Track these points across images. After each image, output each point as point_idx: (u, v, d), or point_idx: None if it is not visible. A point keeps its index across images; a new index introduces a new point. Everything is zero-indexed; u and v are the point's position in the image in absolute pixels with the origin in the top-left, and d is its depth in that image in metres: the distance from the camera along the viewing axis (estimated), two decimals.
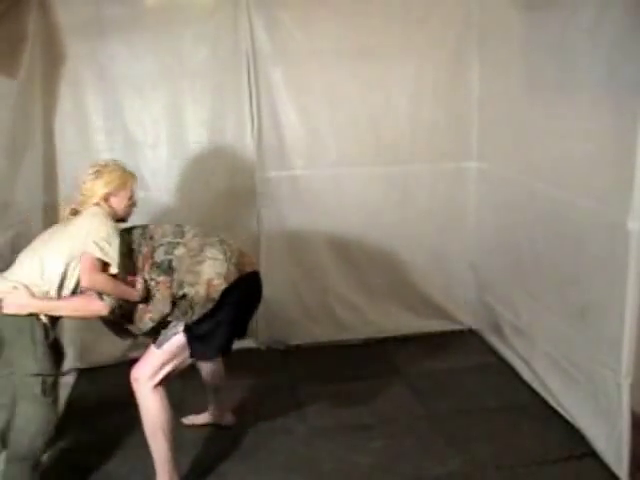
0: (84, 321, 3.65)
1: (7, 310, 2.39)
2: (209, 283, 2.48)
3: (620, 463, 2.58)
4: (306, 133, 3.72)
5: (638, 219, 2.38)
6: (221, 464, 2.83)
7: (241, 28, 3.54)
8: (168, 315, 2.52)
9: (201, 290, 2.48)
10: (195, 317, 2.48)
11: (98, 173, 2.62)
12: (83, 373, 3.70)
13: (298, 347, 3.94)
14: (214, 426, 3.10)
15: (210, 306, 2.48)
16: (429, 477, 2.73)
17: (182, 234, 2.64)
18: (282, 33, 3.58)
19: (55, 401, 2.50)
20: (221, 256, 2.56)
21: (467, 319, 4.11)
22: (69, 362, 3.68)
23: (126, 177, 2.68)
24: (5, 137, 3.09)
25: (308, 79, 3.66)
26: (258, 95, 3.63)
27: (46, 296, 2.44)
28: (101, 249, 2.41)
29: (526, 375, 3.41)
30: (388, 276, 3.97)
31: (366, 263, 3.94)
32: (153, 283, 2.53)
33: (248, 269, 2.63)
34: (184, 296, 2.49)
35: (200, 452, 2.90)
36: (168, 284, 2.51)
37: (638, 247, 2.40)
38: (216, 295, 2.48)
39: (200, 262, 2.53)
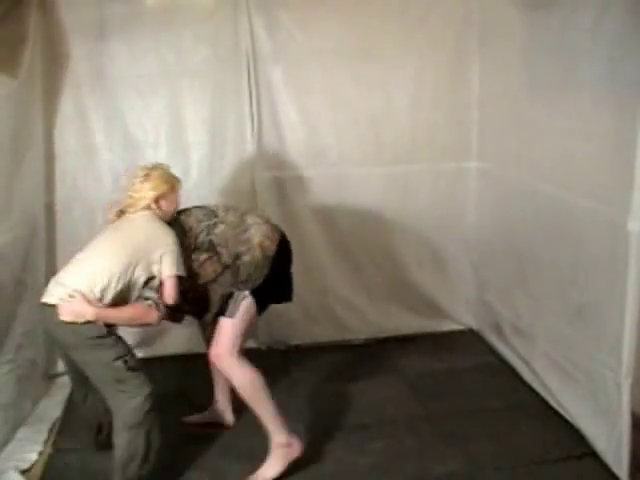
0: None
1: (64, 317, 2.41)
2: (261, 245, 2.70)
3: (620, 463, 2.57)
4: (306, 133, 3.72)
5: (638, 219, 2.37)
6: (221, 464, 2.83)
7: (241, 28, 3.54)
8: (233, 287, 2.68)
9: (256, 253, 2.68)
10: (259, 281, 2.69)
11: (147, 176, 2.69)
12: None
13: (298, 347, 3.94)
14: (214, 425, 3.09)
15: (268, 265, 2.70)
16: (429, 477, 2.73)
17: (215, 213, 2.78)
18: (282, 33, 3.58)
19: (144, 372, 2.53)
20: (260, 220, 2.79)
21: (467, 319, 4.11)
22: None
23: (174, 181, 2.76)
24: (6, 137, 3.09)
25: (308, 79, 3.66)
26: (258, 95, 3.63)
27: (101, 303, 2.45)
28: (177, 265, 2.56)
29: (526, 375, 3.41)
30: (388, 276, 3.97)
31: (366, 263, 3.94)
32: (196, 264, 2.66)
33: (280, 229, 2.86)
34: (241, 265, 2.66)
35: (200, 451, 2.90)
36: (212, 260, 2.66)
37: (638, 247, 2.39)
38: (270, 253, 2.70)
39: (246, 230, 2.72)
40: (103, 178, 3.62)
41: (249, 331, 2.79)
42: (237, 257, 2.68)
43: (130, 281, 2.50)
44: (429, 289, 4.03)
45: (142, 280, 2.53)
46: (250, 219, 2.77)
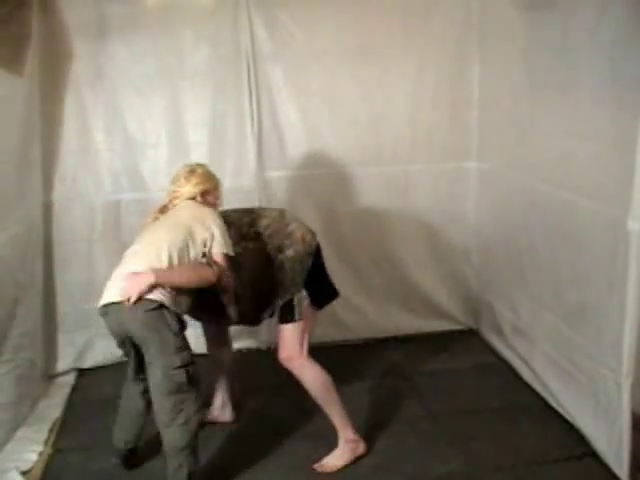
0: (83, 321, 3.68)
1: (132, 293, 2.36)
2: (303, 239, 2.74)
3: (620, 463, 2.57)
4: (306, 133, 3.72)
5: (638, 219, 2.37)
6: (221, 464, 2.83)
7: (241, 28, 3.54)
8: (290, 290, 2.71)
9: (299, 247, 2.72)
10: (305, 274, 2.71)
11: (192, 172, 2.74)
12: (83, 373, 3.70)
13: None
14: (214, 425, 3.09)
15: (310, 260, 2.73)
16: (430, 477, 2.73)
17: (251, 211, 2.89)
18: (282, 33, 3.58)
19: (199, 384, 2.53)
20: (295, 216, 2.87)
21: (467, 319, 4.11)
22: (69, 362, 3.70)
23: (216, 179, 2.81)
24: (7, 137, 3.09)
25: (308, 79, 3.66)
26: (258, 95, 3.62)
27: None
28: (226, 245, 2.57)
29: (526, 375, 3.41)
30: (388, 276, 3.96)
31: (366, 263, 3.94)
32: (242, 251, 2.69)
33: None
34: (285, 259, 2.70)
35: (200, 452, 2.89)
36: (260, 249, 2.72)
37: (638, 247, 2.39)
38: (311, 250, 2.74)
39: (288, 224, 2.78)
40: (103, 178, 3.62)
41: (311, 331, 2.84)
42: (280, 250, 2.71)
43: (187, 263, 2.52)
44: (429, 289, 4.03)
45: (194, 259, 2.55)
46: (288, 215, 2.85)
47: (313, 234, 2.81)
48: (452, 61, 3.74)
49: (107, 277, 3.63)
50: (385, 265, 3.95)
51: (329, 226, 3.83)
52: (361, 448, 2.84)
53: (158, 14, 3.49)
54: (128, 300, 2.38)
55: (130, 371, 2.65)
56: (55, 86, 3.44)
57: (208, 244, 2.55)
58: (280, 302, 2.71)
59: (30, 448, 2.94)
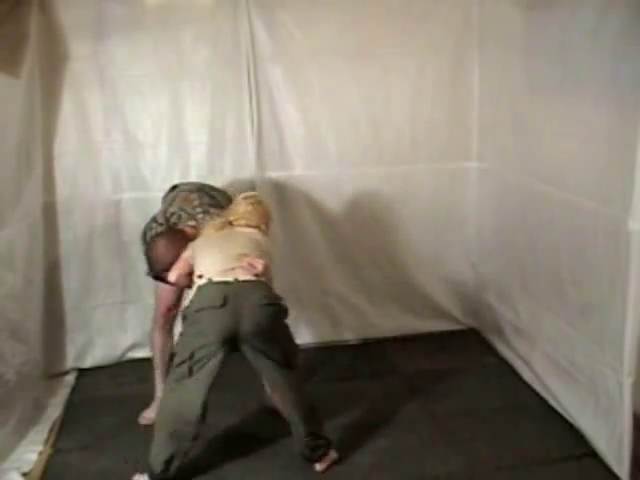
0: (84, 321, 3.68)
1: (259, 268, 2.64)
2: None
3: (621, 463, 2.57)
4: (306, 133, 3.72)
5: (639, 219, 2.37)
6: (221, 464, 2.83)
7: (241, 28, 3.53)
8: None
9: None
10: None
11: (260, 203, 2.98)
12: (83, 373, 3.70)
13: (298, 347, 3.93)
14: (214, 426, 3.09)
15: None
16: (429, 477, 2.73)
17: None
18: (282, 33, 3.58)
19: None
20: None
21: (467, 319, 4.11)
22: (69, 362, 3.70)
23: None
24: (11, 137, 3.09)
25: (308, 79, 3.66)
26: (258, 95, 3.62)
27: None
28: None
29: (526, 375, 3.41)
30: (388, 276, 3.96)
31: (366, 263, 3.93)
32: None
33: None
34: None
35: (200, 452, 2.89)
36: None
37: (639, 247, 2.39)
38: None
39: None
40: (103, 178, 3.62)
41: None
42: None
43: None
44: (429, 289, 4.03)
45: None
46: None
47: None
48: (452, 61, 3.74)
49: (107, 277, 3.71)
50: (385, 265, 3.95)
51: (329, 226, 3.83)
52: None
53: (158, 14, 3.49)
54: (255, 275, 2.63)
55: (214, 369, 2.57)
56: (55, 86, 3.44)
57: None
58: None
59: (30, 448, 2.93)
